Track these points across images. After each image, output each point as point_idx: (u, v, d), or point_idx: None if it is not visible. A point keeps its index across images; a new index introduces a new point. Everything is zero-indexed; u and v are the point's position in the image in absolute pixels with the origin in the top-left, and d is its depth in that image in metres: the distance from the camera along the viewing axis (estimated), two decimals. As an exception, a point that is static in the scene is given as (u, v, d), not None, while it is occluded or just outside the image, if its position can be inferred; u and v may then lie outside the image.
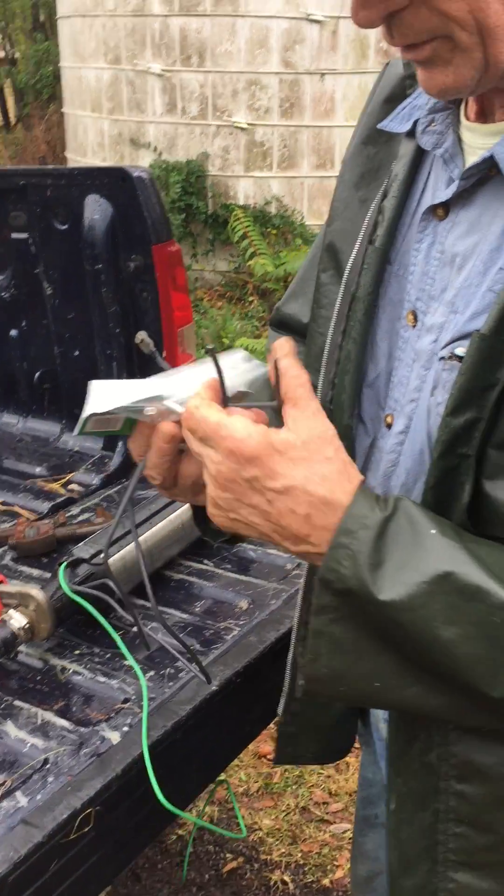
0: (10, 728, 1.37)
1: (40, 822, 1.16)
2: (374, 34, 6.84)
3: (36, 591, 1.53)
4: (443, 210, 0.86)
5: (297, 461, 0.74)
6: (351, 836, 1.49)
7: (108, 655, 1.54)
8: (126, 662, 1.48)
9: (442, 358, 0.83)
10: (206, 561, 1.88)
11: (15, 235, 2.48)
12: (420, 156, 0.92)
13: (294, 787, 2.61)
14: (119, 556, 1.65)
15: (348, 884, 2.17)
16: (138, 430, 0.86)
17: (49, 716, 1.40)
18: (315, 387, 0.96)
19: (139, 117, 7.58)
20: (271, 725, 1.68)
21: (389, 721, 0.93)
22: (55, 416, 2.62)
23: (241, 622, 1.64)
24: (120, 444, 2.38)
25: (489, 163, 0.79)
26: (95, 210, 2.27)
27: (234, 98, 7.14)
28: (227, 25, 6.96)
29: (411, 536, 0.73)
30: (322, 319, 0.99)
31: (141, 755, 1.27)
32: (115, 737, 1.33)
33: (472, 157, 0.83)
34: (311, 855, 2.39)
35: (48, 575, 1.77)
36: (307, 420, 0.76)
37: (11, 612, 1.51)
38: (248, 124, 7.16)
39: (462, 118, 0.86)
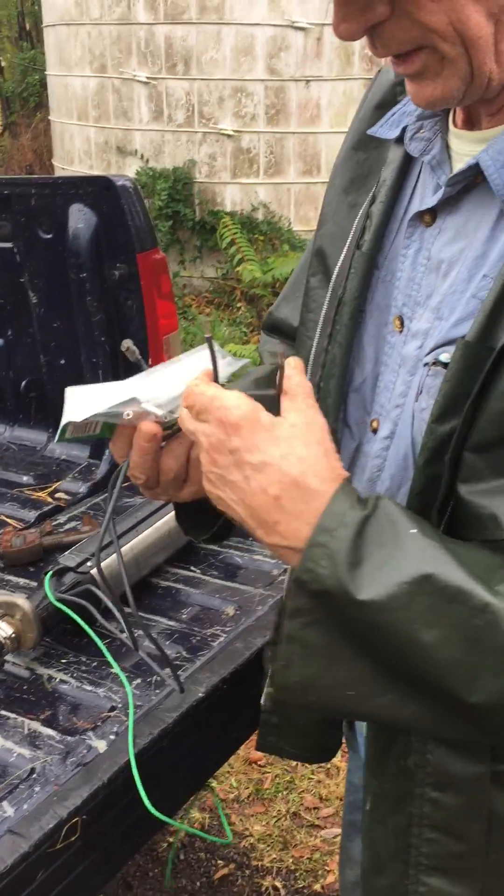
0: (-3, 738, 1.37)
1: (26, 831, 1.16)
2: (359, 41, 6.86)
3: (22, 601, 1.53)
4: (430, 216, 0.86)
5: (279, 440, 0.75)
6: (340, 840, 1.49)
7: (94, 664, 1.54)
8: (112, 671, 1.48)
9: (426, 364, 0.84)
10: (192, 568, 1.88)
11: (-1, 245, 2.49)
12: (408, 162, 0.93)
13: (285, 792, 2.61)
14: (105, 565, 1.65)
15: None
16: (118, 432, 0.87)
17: (35, 725, 1.40)
18: None
19: (126, 125, 7.59)
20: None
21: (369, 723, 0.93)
22: (42, 424, 2.62)
23: (228, 628, 1.64)
24: (107, 452, 2.38)
25: (475, 170, 0.80)
26: (80, 219, 2.28)
27: (220, 105, 7.15)
28: (212, 33, 6.98)
29: (392, 536, 0.73)
30: (310, 323, 0.99)
31: (127, 763, 1.27)
32: (101, 745, 1.33)
33: (458, 164, 0.84)
34: (302, 860, 2.39)
35: (35, 584, 1.77)
36: (300, 409, 0.77)
37: (-3, 621, 1.51)
38: (235, 131, 7.17)
39: (450, 125, 0.87)
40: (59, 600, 1.56)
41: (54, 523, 2.08)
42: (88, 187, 2.28)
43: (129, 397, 0.83)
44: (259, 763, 2.71)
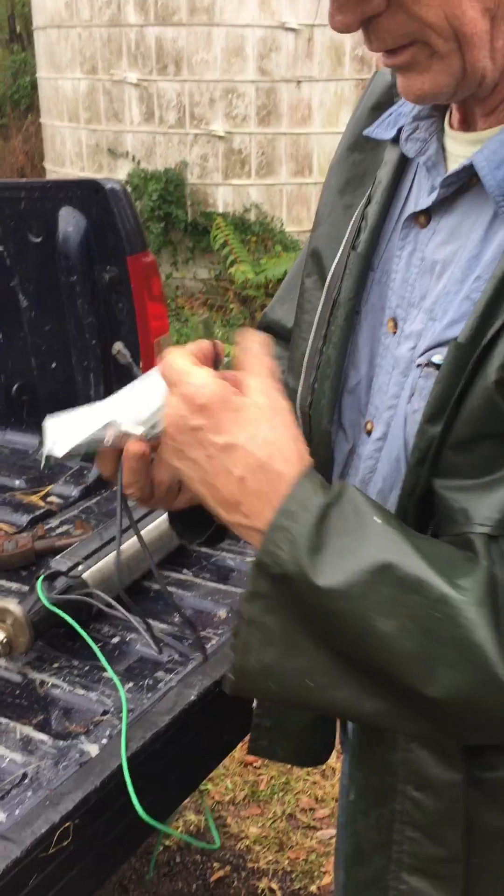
0: (-11, 743, 1.37)
1: (18, 837, 1.16)
2: (350, 41, 6.88)
3: (13, 606, 1.52)
4: (424, 217, 0.86)
5: (247, 422, 0.74)
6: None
7: (87, 668, 1.54)
8: (105, 674, 1.48)
9: (419, 365, 0.84)
10: (185, 570, 1.88)
11: (-11, 249, 2.49)
12: (404, 163, 0.92)
13: (280, 793, 2.61)
14: (97, 568, 1.65)
15: (335, 890, 2.18)
16: (101, 452, 0.88)
17: (28, 730, 1.40)
18: (295, 392, 0.97)
19: (117, 127, 7.59)
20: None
21: None
22: (33, 428, 2.62)
23: (220, 631, 1.64)
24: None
25: (469, 171, 0.80)
26: (69, 222, 2.28)
27: (212, 106, 7.15)
28: (202, 35, 6.99)
29: (355, 524, 0.72)
30: (305, 325, 0.99)
31: (120, 767, 1.27)
32: (93, 749, 1.33)
33: (454, 165, 0.83)
34: (298, 862, 2.39)
35: (27, 588, 1.76)
36: (263, 390, 0.77)
37: (-11, 626, 1.51)
38: (226, 132, 7.18)
39: (446, 126, 0.87)
40: (53, 603, 1.56)
41: (46, 527, 2.08)
42: (78, 191, 2.28)
43: (106, 421, 0.84)
44: (254, 765, 2.71)
